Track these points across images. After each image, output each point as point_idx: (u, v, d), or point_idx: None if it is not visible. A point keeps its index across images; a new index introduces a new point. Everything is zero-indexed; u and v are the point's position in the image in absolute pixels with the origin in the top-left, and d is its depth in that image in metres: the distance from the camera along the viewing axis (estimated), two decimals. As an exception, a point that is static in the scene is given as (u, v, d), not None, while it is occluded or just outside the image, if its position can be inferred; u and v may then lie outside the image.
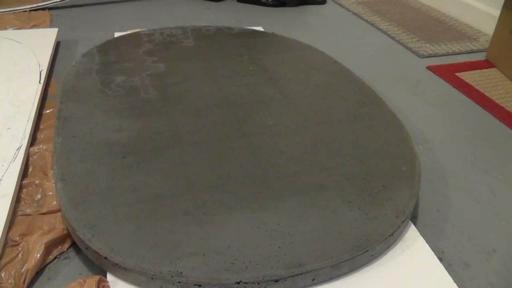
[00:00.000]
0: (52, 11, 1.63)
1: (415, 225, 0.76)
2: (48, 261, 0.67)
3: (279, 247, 0.65)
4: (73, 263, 0.68)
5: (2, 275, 0.63)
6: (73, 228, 0.66)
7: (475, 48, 1.50)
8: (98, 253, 0.63)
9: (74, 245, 0.70)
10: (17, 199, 0.76)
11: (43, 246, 0.66)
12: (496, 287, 0.68)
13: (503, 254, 0.74)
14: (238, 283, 0.60)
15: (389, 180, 0.79)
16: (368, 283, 0.65)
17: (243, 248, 0.65)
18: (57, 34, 1.34)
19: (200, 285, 0.60)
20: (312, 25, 1.66)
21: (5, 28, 1.42)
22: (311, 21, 1.70)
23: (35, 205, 0.76)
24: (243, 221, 0.69)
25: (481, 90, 1.23)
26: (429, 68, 1.36)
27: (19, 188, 0.79)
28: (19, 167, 0.81)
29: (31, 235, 0.69)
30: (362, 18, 1.75)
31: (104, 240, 0.64)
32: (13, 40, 1.28)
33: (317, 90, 1.07)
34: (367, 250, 0.66)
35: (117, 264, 0.62)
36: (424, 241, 0.72)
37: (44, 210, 0.74)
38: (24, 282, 0.63)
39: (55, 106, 1.01)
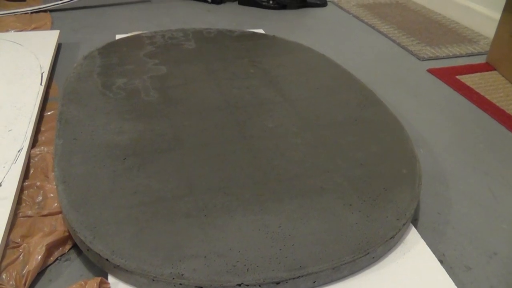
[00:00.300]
0: (54, 13, 1.63)
1: (416, 227, 0.76)
2: (49, 263, 0.67)
3: (280, 250, 0.65)
4: (74, 265, 0.68)
5: (3, 276, 0.63)
6: (74, 230, 0.66)
7: (476, 51, 1.51)
8: (99, 255, 0.63)
9: (75, 247, 0.70)
10: (18, 201, 0.76)
11: (44, 248, 0.66)
12: (497, 290, 0.68)
13: (504, 257, 0.74)
14: (240, 285, 0.60)
15: (390, 182, 0.79)
16: (369, 285, 0.65)
17: (244, 250, 0.65)
18: (59, 36, 1.34)
19: (201, 287, 0.60)
20: (313, 28, 1.66)
21: (7, 30, 1.43)
22: (312, 24, 1.70)
23: (36, 207, 0.76)
24: (244, 224, 0.69)
25: (482, 93, 1.23)
26: (430, 71, 1.36)
27: (20, 190, 0.79)
28: (20, 169, 0.81)
29: (32, 237, 0.69)
30: (362, 21, 1.76)
31: (105, 242, 0.64)
32: (14, 42, 1.29)
33: (318, 92, 1.07)
34: (368, 253, 0.66)
35: (118, 266, 0.62)
36: (425, 243, 0.72)
37: (45, 212, 0.75)
38: (25, 284, 0.63)
39: (56, 108, 1.01)
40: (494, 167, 0.95)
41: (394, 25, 1.72)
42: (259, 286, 0.61)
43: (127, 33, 1.40)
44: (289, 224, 0.69)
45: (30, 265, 0.64)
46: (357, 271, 0.66)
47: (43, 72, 1.13)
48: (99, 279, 0.61)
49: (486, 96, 1.22)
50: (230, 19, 1.70)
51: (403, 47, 1.52)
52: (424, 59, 1.44)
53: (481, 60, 1.45)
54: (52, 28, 1.51)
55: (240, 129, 0.91)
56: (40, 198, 0.78)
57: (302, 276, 0.62)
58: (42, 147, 0.90)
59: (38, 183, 0.80)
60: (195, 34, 1.35)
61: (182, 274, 0.61)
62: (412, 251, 0.70)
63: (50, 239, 0.68)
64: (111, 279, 0.63)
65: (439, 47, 1.53)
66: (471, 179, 0.91)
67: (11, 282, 0.62)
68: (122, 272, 0.62)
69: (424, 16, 1.84)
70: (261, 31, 1.50)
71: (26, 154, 0.85)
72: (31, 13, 1.59)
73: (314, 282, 0.64)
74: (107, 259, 0.62)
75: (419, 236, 0.73)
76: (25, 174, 0.83)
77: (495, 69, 1.38)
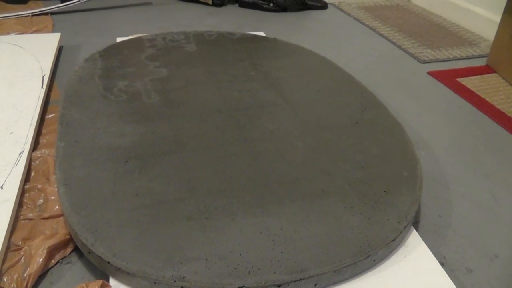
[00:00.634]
0: (55, 16, 1.63)
1: (417, 230, 0.76)
2: (50, 265, 0.67)
3: (281, 252, 0.65)
4: (76, 267, 0.68)
5: (5, 279, 0.63)
6: (76, 232, 0.66)
7: (476, 54, 1.51)
8: (100, 257, 0.63)
9: (76, 249, 0.70)
10: (19, 204, 0.76)
11: (45, 251, 0.67)
12: (499, 292, 0.68)
13: (505, 259, 0.74)
14: (241, 288, 0.60)
15: (391, 185, 0.79)
16: (371, 288, 0.65)
17: (245, 253, 0.65)
18: (60, 39, 1.35)
19: (202, 290, 0.60)
20: (314, 31, 1.67)
21: (8, 33, 1.43)
22: (313, 26, 1.71)
23: (38, 209, 0.76)
24: (245, 226, 0.69)
25: (482, 96, 1.24)
26: (430, 73, 1.36)
27: (22, 192, 0.79)
28: (22, 172, 0.81)
29: (34, 239, 0.69)
30: (363, 24, 1.76)
31: (106, 245, 0.64)
32: (15, 45, 1.29)
33: (319, 95, 1.07)
34: (369, 255, 0.66)
35: (119, 268, 0.62)
36: (426, 246, 0.72)
37: (46, 215, 0.75)
38: (26, 286, 0.63)
39: (57, 111, 1.01)
40: (495, 170, 0.95)
41: (394, 28, 1.72)
42: (261, 288, 0.61)
43: (128, 36, 1.40)
44: (290, 227, 0.69)
45: (31, 268, 0.64)
46: (358, 273, 0.66)
47: (44, 75, 1.13)
48: (100, 282, 0.61)
49: (487, 99, 1.22)
50: (231, 21, 1.71)
51: (403, 50, 1.52)
52: (424, 62, 1.44)
53: (481, 62, 1.45)
54: (53, 30, 1.51)
55: (240, 132, 0.92)
56: (42, 200, 0.78)
57: (303, 279, 0.62)
58: (43, 150, 0.90)
59: (40, 186, 0.80)
60: (196, 37, 1.35)
61: (184, 277, 0.61)
62: (413, 254, 0.70)
63: (51, 241, 0.68)
64: (112, 282, 0.63)
65: (439, 50, 1.53)
66: (472, 181, 0.91)
67: (12, 285, 0.62)
68: (123, 275, 0.62)
69: (424, 19, 1.84)
70: (261, 33, 1.51)
71: (27, 156, 0.85)
72: (32, 15, 1.59)
73: (315, 285, 0.64)
74: (108, 262, 0.62)
75: (420, 238, 0.73)
76: (26, 176, 0.83)
77: (495, 72, 1.38)
